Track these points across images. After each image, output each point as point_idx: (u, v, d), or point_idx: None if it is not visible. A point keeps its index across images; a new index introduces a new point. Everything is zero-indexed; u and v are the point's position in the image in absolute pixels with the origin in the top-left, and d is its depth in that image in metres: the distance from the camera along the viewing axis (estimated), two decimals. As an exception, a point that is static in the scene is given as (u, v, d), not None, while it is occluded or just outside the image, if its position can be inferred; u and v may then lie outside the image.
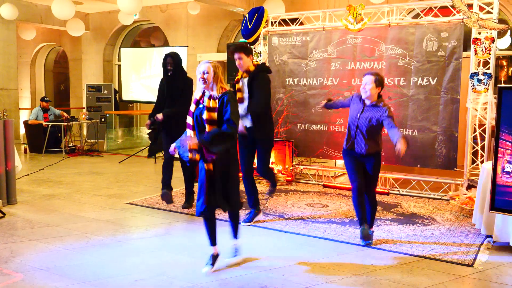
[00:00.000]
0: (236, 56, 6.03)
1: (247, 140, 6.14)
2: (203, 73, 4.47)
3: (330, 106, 6.03)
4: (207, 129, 4.43)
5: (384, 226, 6.17)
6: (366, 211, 5.50)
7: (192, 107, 4.59)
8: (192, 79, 7.03)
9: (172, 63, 6.81)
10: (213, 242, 4.75)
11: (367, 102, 5.33)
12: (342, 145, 5.64)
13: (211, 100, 4.46)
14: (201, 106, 4.53)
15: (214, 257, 4.71)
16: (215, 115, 4.43)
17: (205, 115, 4.43)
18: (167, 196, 6.93)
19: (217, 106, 4.43)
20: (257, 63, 6.32)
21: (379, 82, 5.27)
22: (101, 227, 6.05)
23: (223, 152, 4.47)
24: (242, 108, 6.04)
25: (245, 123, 6.08)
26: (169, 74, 6.86)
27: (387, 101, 7.87)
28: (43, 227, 6.00)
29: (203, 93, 4.57)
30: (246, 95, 6.08)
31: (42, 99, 13.07)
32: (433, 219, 6.58)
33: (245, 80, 6.08)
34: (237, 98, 5.88)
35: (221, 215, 6.07)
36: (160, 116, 6.77)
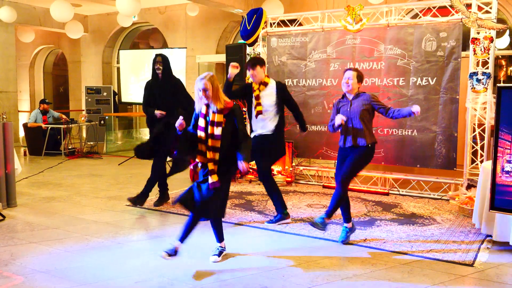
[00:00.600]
0: (249, 70, 6.18)
1: (263, 148, 6.22)
2: (203, 90, 4.55)
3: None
4: (210, 143, 4.55)
5: (384, 226, 6.17)
6: (349, 209, 5.63)
7: (202, 122, 4.65)
8: (180, 78, 7.20)
9: (161, 62, 6.88)
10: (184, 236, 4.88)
11: (350, 97, 5.54)
12: (341, 135, 5.68)
13: (216, 114, 4.56)
14: (208, 119, 4.63)
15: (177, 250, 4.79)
16: (219, 130, 4.54)
17: (210, 129, 4.56)
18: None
19: (223, 120, 4.55)
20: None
21: (360, 78, 5.55)
22: (101, 229, 6.05)
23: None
24: (258, 122, 6.20)
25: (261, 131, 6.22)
26: (158, 74, 6.96)
27: (386, 101, 7.91)
28: (43, 230, 6.00)
29: (208, 106, 4.64)
30: (266, 108, 6.16)
31: (43, 101, 13.08)
32: (433, 219, 6.58)
33: (263, 93, 6.16)
34: (256, 111, 6.13)
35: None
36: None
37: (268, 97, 6.18)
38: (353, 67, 5.88)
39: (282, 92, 6.23)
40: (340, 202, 5.49)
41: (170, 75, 7.05)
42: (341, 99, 5.67)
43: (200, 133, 4.65)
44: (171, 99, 6.91)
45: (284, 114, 6.39)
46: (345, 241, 5.49)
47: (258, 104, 6.15)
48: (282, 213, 6.30)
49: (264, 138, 6.19)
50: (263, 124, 6.19)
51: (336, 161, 9.29)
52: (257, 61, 6.23)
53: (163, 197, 7.28)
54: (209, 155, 4.57)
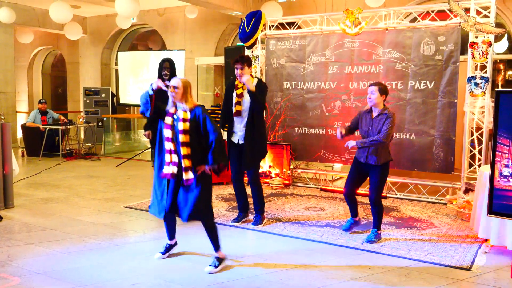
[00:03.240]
0: (238, 66, 6.08)
1: (238, 150, 6.24)
2: (173, 87, 4.69)
3: (347, 133, 6.01)
4: (181, 139, 4.65)
5: (382, 230, 6.16)
6: (356, 206, 6.02)
7: (169, 120, 4.76)
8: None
9: (169, 68, 6.91)
10: (170, 237, 5.17)
11: (375, 112, 5.59)
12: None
13: (184, 112, 4.70)
14: (175, 117, 4.73)
15: (171, 246, 5.19)
16: (187, 125, 4.66)
17: (181, 126, 4.65)
18: None
19: (189, 117, 4.68)
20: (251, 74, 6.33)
21: (383, 91, 5.57)
22: (98, 230, 6.04)
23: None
24: (239, 122, 6.18)
25: (237, 138, 6.22)
26: (164, 79, 6.92)
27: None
28: (40, 231, 5.99)
29: (175, 106, 4.78)
30: (245, 107, 6.12)
31: (39, 102, 13.11)
32: (431, 222, 6.58)
33: (246, 92, 6.11)
34: (235, 111, 6.10)
35: (219, 219, 6.06)
36: None
37: (248, 97, 6.10)
38: (376, 81, 5.92)
39: (259, 88, 6.09)
40: (382, 214, 5.74)
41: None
42: (366, 112, 5.72)
43: (167, 131, 4.74)
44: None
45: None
46: (371, 241, 5.67)
47: (238, 103, 6.11)
48: (261, 214, 6.41)
49: (246, 141, 6.14)
50: (242, 124, 6.14)
51: (333, 164, 9.39)
52: (246, 60, 6.14)
53: None
54: (183, 151, 4.65)
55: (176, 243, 5.22)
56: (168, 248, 5.16)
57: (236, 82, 6.21)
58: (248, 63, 6.13)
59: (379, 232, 5.73)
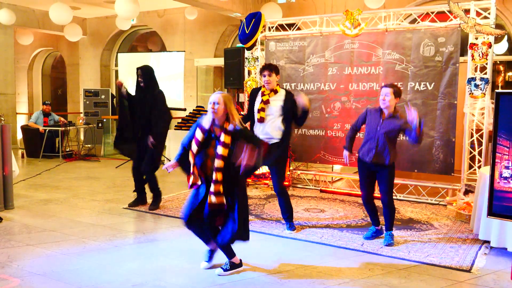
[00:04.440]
0: (265, 73, 6.11)
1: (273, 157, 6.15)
2: (214, 103, 4.39)
3: (350, 146, 5.98)
4: (217, 164, 4.35)
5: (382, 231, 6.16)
6: (376, 214, 5.88)
7: (200, 136, 4.45)
8: (162, 91, 7.29)
9: (142, 75, 7.12)
10: (207, 242, 4.80)
11: (386, 113, 5.54)
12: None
13: (226, 135, 4.39)
14: (212, 136, 4.45)
15: (212, 251, 4.86)
16: (227, 152, 4.37)
17: (221, 151, 4.36)
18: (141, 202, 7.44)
19: (230, 141, 4.38)
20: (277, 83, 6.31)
21: (397, 94, 5.52)
22: (98, 232, 6.04)
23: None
24: (260, 129, 6.13)
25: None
26: (141, 85, 7.20)
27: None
28: (40, 232, 5.99)
29: (213, 123, 4.46)
30: (270, 114, 6.10)
31: (43, 103, 13.15)
32: (431, 224, 6.58)
33: (272, 99, 6.11)
34: (259, 117, 6.06)
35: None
36: (152, 139, 6.97)
37: (276, 104, 6.08)
38: (390, 83, 5.78)
39: (291, 102, 6.02)
40: (394, 215, 5.75)
41: (151, 86, 7.20)
42: (375, 110, 5.65)
43: (194, 146, 4.46)
44: (148, 111, 7.08)
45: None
46: (390, 244, 5.62)
47: (262, 109, 6.08)
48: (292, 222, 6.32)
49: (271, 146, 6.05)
50: (265, 131, 6.08)
51: (333, 165, 9.38)
52: (275, 68, 6.19)
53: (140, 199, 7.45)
54: (215, 176, 4.39)
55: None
56: (211, 253, 4.90)
57: (263, 89, 6.22)
58: (276, 71, 6.17)
59: (393, 231, 5.75)
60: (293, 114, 6.06)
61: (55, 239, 5.72)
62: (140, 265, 4.92)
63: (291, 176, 9.07)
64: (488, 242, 5.49)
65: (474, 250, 5.45)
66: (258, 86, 6.35)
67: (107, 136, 14.56)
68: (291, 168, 9.05)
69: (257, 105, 6.15)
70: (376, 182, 5.77)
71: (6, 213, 6.91)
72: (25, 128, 12.95)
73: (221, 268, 4.72)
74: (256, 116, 6.13)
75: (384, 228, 5.83)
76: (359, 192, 6.33)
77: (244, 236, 4.56)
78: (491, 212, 5.03)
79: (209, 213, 4.50)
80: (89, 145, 13.59)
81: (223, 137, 4.36)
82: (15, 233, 5.97)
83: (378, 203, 5.84)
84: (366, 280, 4.57)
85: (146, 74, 7.11)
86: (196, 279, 4.56)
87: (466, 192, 7.03)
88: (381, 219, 5.86)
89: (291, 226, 6.20)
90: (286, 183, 8.83)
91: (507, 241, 5.22)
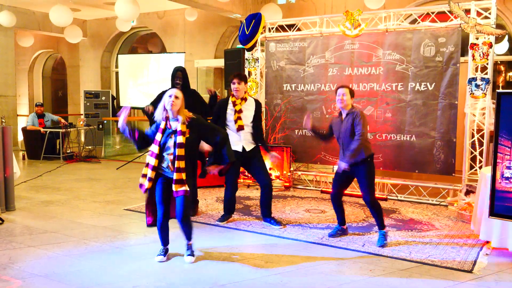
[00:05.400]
0: (235, 80, 6.41)
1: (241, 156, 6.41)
2: (175, 97, 4.81)
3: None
4: (177, 152, 4.73)
5: (383, 232, 6.16)
6: (342, 213, 6.01)
7: (158, 136, 4.86)
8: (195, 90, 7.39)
9: (181, 77, 6.97)
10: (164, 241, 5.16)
11: (344, 113, 5.70)
12: (339, 150, 5.85)
13: (182, 124, 4.80)
14: (169, 130, 4.84)
15: (167, 250, 5.18)
16: (184, 139, 4.78)
17: (179, 139, 4.75)
18: None
19: (187, 130, 4.81)
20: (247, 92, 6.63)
21: (352, 93, 5.73)
22: (99, 233, 6.04)
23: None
24: (235, 136, 6.33)
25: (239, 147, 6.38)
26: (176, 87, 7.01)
27: (385, 107, 7.94)
28: (41, 234, 5.99)
29: (167, 119, 4.87)
30: (246, 122, 6.37)
31: (35, 105, 13.18)
32: (432, 224, 6.58)
33: (244, 107, 6.39)
34: (238, 126, 6.31)
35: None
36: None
37: (248, 112, 6.39)
38: (343, 84, 6.14)
39: (259, 109, 6.50)
40: (381, 212, 5.72)
41: (188, 87, 7.12)
42: (336, 117, 5.90)
43: (154, 148, 4.86)
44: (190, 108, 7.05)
45: (281, 119, 6.51)
46: (383, 245, 5.60)
47: (239, 118, 6.32)
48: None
49: (253, 151, 6.44)
50: (244, 137, 6.37)
51: (334, 166, 9.37)
52: (244, 77, 6.48)
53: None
54: (177, 164, 4.74)
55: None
56: (166, 251, 5.18)
57: (233, 99, 6.44)
58: (244, 80, 6.45)
59: (385, 229, 5.72)
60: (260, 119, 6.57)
61: (56, 240, 5.72)
62: (141, 266, 4.92)
63: (292, 177, 9.07)
64: (489, 242, 5.49)
65: (476, 251, 5.44)
66: (225, 98, 6.56)
67: (108, 138, 14.58)
68: (291, 169, 9.05)
69: (232, 115, 6.36)
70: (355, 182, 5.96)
71: (7, 214, 6.90)
72: (25, 130, 12.96)
73: (189, 255, 5.04)
74: (235, 126, 6.33)
75: (347, 230, 6.07)
76: (360, 193, 6.34)
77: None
78: (493, 213, 5.04)
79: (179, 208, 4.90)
80: (89, 147, 13.60)
81: (179, 127, 4.78)
82: (16, 235, 5.97)
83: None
84: (367, 280, 4.57)
85: (185, 76, 7.04)
86: (197, 279, 4.56)
87: (467, 193, 7.02)
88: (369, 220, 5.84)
89: (271, 221, 6.46)
90: (286, 184, 8.86)
91: (508, 241, 5.22)
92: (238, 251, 5.32)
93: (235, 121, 6.31)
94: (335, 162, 8.72)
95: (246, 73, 9.47)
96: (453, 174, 7.65)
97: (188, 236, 5.04)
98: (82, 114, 15.23)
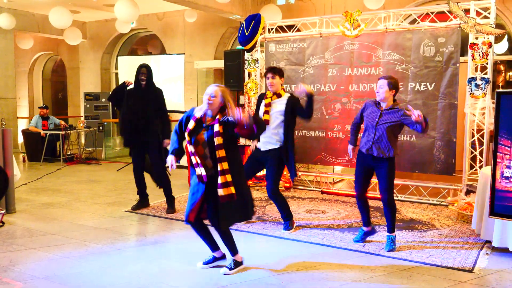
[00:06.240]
0: (269, 75, 6.14)
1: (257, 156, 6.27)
2: (210, 96, 4.49)
3: (354, 139, 5.94)
4: (219, 155, 4.40)
5: (383, 232, 6.14)
6: (368, 213, 5.73)
7: (191, 125, 4.53)
8: (161, 88, 7.36)
9: (146, 73, 7.09)
10: (212, 247, 4.89)
11: (383, 106, 5.41)
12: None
13: (219, 125, 4.44)
14: (204, 125, 4.51)
15: (217, 259, 4.92)
16: (222, 140, 4.42)
17: (217, 141, 4.40)
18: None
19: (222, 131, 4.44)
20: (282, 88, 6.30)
21: (392, 85, 5.35)
22: (100, 235, 6.04)
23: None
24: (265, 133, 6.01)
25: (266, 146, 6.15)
26: (142, 84, 7.14)
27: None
28: (42, 236, 5.99)
29: (205, 114, 4.54)
30: (273, 118, 6.08)
31: (40, 107, 13.17)
32: (432, 224, 6.58)
33: (274, 102, 6.12)
34: (263, 120, 5.95)
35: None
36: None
37: (278, 107, 6.08)
38: (387, 75, 5.65)
39: (294, 105, 6.07)
40: (395, 215, 5.56)
41: (152, 83, 7.21)
42: (373, 103, 5.54)
43: (186, 135, 4.57)
44: (150, 108, 7.11)
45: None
46: (392, 249, 5.46)
47: (266, 112, 6.09)
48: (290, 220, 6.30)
49: (271, 151, 6.12)
50: (265, 134, 5.99)
51: (334, 167, 9.37)
52: (279, 71, 6.19)
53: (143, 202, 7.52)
54: (220, 167, 4.41)
55: (223, 256, 4.97)
56: (213, 260, 4.95)
57: (267, 92, 6.25)
58: (280, 74, 6.17)
59: (394, 234, 5.58)
60: (294, 115, 6.11)
61: (57, 242, 5.72)
62: (142, 267, 4.92)
63: (292, 178, 9.06)
64: (490, 242, 5.49)
65: (476, 251, 5.44)
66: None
67: (108, 139, 14.58)
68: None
69: (262, 108, 6.17)
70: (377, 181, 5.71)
71: (8, 217, 6.90)
72: (26, 132, 12.98)
73: (226, 267, 4.75)
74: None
75: (374, 228, 5.87)
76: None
77: (247, 215, 4.81)
78: (493, 212, 5.04)
79: (212, 213, 4.58)
80: (90, 149, 13.61)
81: (216, 127, 4.42)
82: (17, 237, 5.97)
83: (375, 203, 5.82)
84: (368, 281, 4.57)
85: (150, 72, 7.08)
86: (198, 281, 4.56)
87: (468, 192, 7.03)
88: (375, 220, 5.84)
89: (286, 226, 6.23)
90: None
91: (509, 241, 5.22)
92: (239, 250, 5.32)
93: (263, 115, 6.09)
94: (335, 163, 8.74)
95: (246, 74, 9.48)
96: (453, 174, 7.65)
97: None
98: (82, 116, 15.23)
